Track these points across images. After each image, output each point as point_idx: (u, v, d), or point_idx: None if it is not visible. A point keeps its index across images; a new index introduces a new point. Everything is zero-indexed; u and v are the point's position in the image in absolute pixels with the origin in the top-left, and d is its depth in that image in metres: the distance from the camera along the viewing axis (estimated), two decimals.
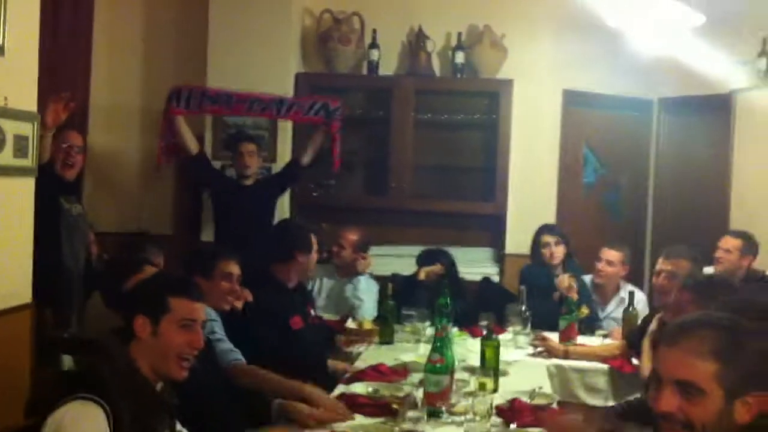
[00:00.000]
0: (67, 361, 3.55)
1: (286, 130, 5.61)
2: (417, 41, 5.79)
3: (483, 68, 5.75)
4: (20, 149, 3.11)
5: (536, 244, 4.92)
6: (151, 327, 2.24)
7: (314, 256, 3.98)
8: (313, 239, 3.98)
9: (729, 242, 4.42)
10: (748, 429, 1.63)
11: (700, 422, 1.64)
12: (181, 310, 2.27)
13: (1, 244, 3.07)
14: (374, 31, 5.80)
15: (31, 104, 3.20)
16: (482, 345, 3.41)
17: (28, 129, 3.16)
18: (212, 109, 5.23)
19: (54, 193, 3.94)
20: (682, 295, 2.86)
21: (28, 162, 3.18)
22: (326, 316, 4.42)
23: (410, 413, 2.76)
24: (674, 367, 1.67)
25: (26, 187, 3.22)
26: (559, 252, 4.81)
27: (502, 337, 3.86)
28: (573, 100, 5.85)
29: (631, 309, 4.20)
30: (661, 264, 3.72)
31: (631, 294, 4.31)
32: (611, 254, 4.62)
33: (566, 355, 3.88)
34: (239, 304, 3.48)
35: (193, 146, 5.16)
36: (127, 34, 5.96)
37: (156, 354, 2.24)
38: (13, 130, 3.06)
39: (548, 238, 4.86)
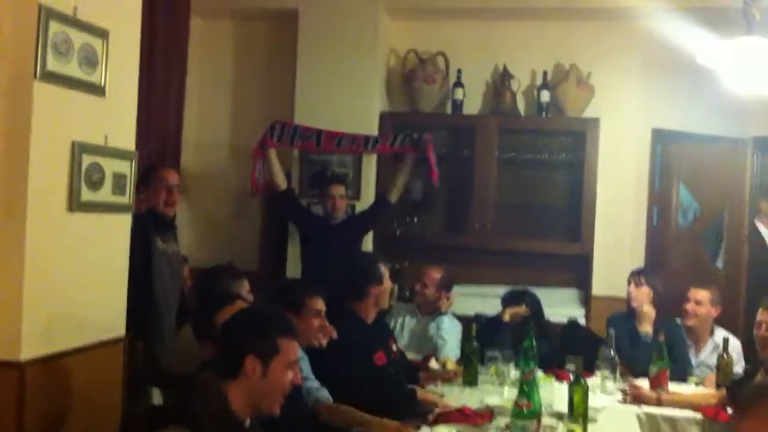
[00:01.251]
0: (156, 394, 3.64)
1: (370, 166, 5.68)
2: (501, 80, 5.80)
3: (568, 107, 5.70)
4: (118, 186, 3.21)
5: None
6: (261, 368, 2.28)
7: (387, 285, 3.93)
8: (384, 269, 3.94)
9: None
10: None
11: None
12: (289, 352, 2.34)
13: (98, 277, 3.16)
14: (459, 70, 5.84)
15: (129, 143, 3.31)
16: (570, 390, 3.33)
17: (126, 167, 3.26)
18: (302, 145, 5.36)
19: (149, 230, 4.03)
20: None
21: (125, 199, 3.27)
22: (408, 356, 4.39)
23: None
24: None
25: (123, 222, 3.32)
26: (641, 294, 4.64)
27: (590, 381, 3.77)
28: (662, 139, 5.73)
29: (725, 356, 4.05)
30: (761, 315, 3.59)
31: (726, 340, 4.14)
32: (700, 294, 4.46)
33: (659, 403, 3.75)
34: (324, 341, 3.50)
35: (281, 181, 5.28)
36: (219, 76, 6.17)
37: (262, 392, 2.29)
38: (111, 167, 3.16)
39: (631, 279, 4.70)
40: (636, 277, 4.71)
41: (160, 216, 4.15)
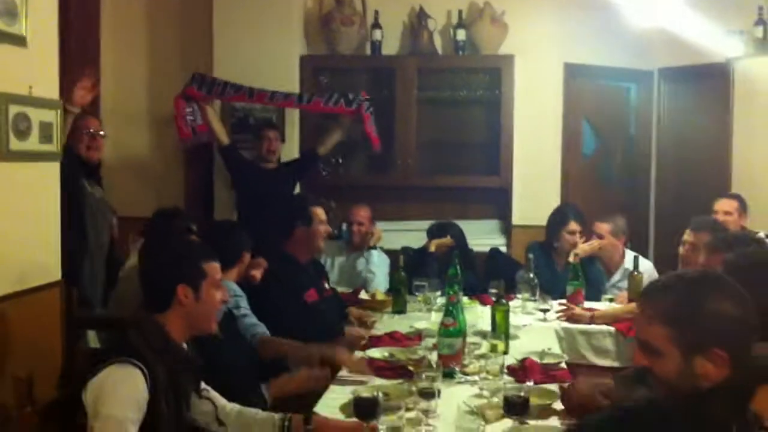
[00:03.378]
0: (92, 337, 3.73)
1: (294, 112, 5.73)
2: (418, 20, 5.90)
3: (484, 45, 5.85)
4: (45, 135, 3.25)
5: (557, 225, 4.82)
6: (192, 293, 2.41)
7: (319, 228, 4.01)
8: (318, 212, 4.04)
9: (727, 204, 4.56)
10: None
11: (663, 378, 1.78)
12: (214, 273, 2.48)
13: (31, 224, 3.22)
14: (376, 11, 5.91)
15: (53, 92, 3.34)
16: (493, 310, 3.55)
17: (52, 116, 3.30)
18: (234, 97, 5.34)
19: (77, 175, 4.06)
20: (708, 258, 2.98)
21: (53, 147, 3.32)
22: (339, 290, 4.55)
23: (426, 374, 2.90)
24: (638, 329, 1.83)
25: (52, 170, 3.38)
26: (579, 243, 4.73)
27: (512, 304, 4.01)
28: (574, 73, 5.95)
29: (635, 273, 4.33)
30: (686, 235, 3.85)
31: (636, 258, 4.43)
32: (601, 227, 4.71)
33: (592, 321, 4.00)
34: (258, 274, 3.62)
35: (224, 137, 5.33)
36: (132, 28, 6.07)
37: (198, 315, 2.44)
38: (38, 117, 3.21)
39: (574, 226, 4.77)
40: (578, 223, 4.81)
41: (84, 160, 4.19)
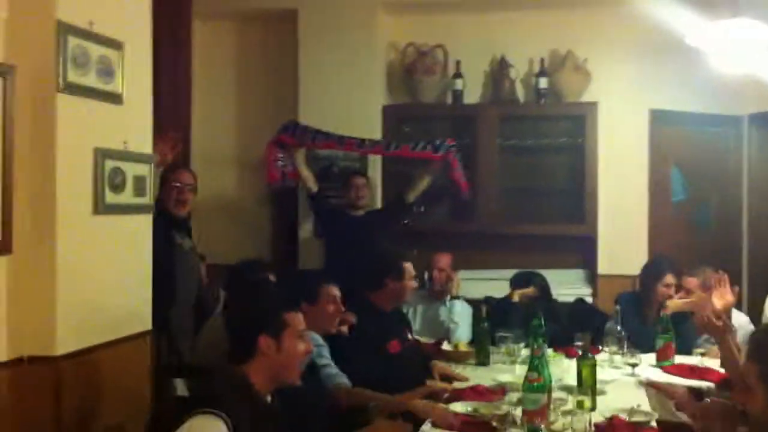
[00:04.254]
0: (180, 386, 3.79)
1: (376, 161, 5.81)
2: (500, 69, 5.92)
3: (567, 92, 5.83)
4: (139, 189, 3.37)
5: (653, 278, 4.67)
6: (275, 344, 2.44)
7: (408, 283, 4.04)
8: (408, 266, 4.07)
9: None
10: None
11: (753, 416, 1.90)
12: (297, 323, 2.51)
13: (124, 275, 3.32)
14: (457, 61, 5.96)
15: (147, 147, 3.47)
16: (579, 364, 3.47)
17: (145, 170, 3.42)
18: (325, 144, 5.43)
19: (166, 227, 4.17)
20: None
21: (146, 200, 3.44)
22: (422, 340, 4.53)
23: (510, 430, 2.85)
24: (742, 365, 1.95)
25: (145, 222, 3.49)
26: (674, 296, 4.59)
27: (598, 357, 3.91)
28: (660, 120, 5.85)
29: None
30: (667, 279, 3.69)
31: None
32: (690, 282, 4.54)
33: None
34: (345, 329, 3.64)
35: (312, 185, 5.44)
36: (222, 79, 6.29)
37: (281, 366, 2.46)
38: (132, 171, 3.33)
39: (670, 280, 4.63)
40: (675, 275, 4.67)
41: (172, 215, 4.29)
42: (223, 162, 6.24)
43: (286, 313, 2.50)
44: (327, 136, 5.31)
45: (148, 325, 3.49)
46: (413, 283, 4.09)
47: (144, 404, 3.41)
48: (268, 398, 2.49)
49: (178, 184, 4.33)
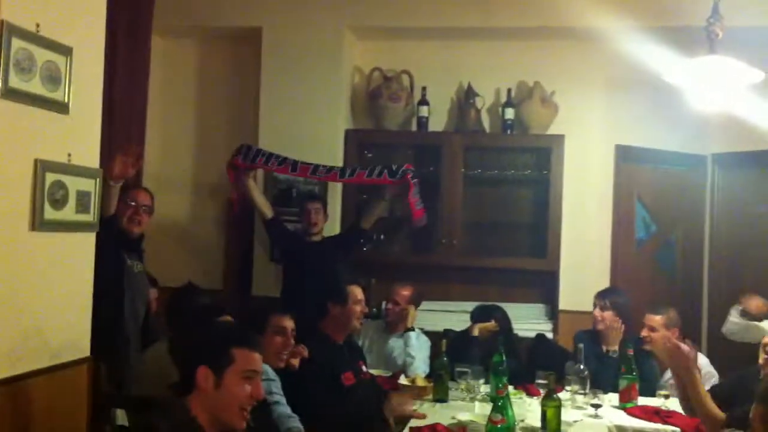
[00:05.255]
0: (120, 416, 3.56)
1: (336, 185, 5.64)
2: (466, 98, 5.82)
3: (533, 124, 5.74)
4: (82, 204, 3.16)
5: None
6: (214, 378, 2.24)
7: (353, 308, 3.91)
8: (353, 290, 3.94)
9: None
10: None
11: None
12: (244, 362, 2.28)
13: (62, 297, 3.10)
14: (423, 88, 5.85)
15: (93, 161, 3.26)
16: (543, 405, 3.34)
17: (90, 185, 3.21)
18: (278, 169, 5.24)
19: (117, 247, 3.98)
20: None
21: (90, 217, 3.22)
22: (376, 373, 4.36)
23: None
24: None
25: (87, 241, 3.27)
26: (604, 317, 4.60)
27: (560, 396, 3.77)
28: (625, 156, 5.80)
29: None
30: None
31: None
32: (653, 320, 4.44)
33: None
34: (295, 362, 3.46)
35: (268, 211, 5.24)
36: (181, 96, 6.10)
37: (218, 405, 2.25)
38: (75, 185, 3.11)
39: (595, 301, 4.70)
40: (600, 300, 4.70)
41: (123, 232, 4.08)
42: (177, 183, 6.02)
43: (236, 348, 2.29)
44: (281, 160, 5.13)
45: (86, 352, 3.26)
46: (360, 307, 3.94)
47: None
48: None
49: (133, 204, 4.14)
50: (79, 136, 3.16)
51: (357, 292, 3.93)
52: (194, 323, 2.94)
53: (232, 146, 5.24)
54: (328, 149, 5.61)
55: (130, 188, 4.17)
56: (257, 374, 2.33)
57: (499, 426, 2.89)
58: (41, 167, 2.92)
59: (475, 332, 4.64)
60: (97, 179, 3.26)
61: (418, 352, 4.64)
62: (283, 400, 3.25)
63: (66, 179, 3.05)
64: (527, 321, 5.40)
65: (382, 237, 5.78)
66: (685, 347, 3.36)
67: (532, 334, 5.19)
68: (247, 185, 5.13)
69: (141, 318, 4.20)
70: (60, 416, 3.04)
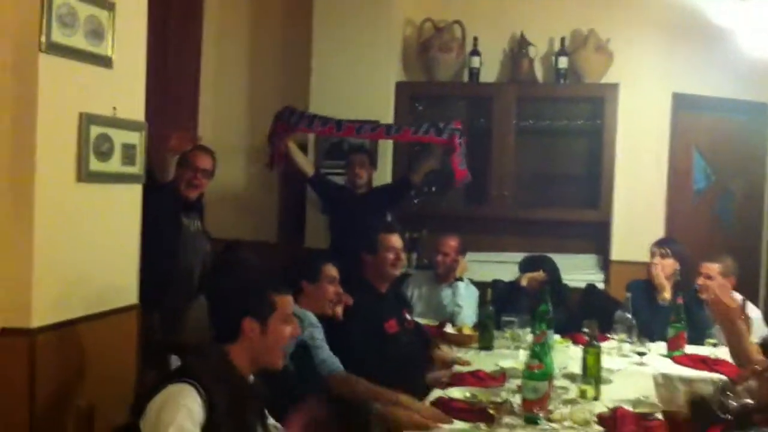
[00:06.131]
0: (175, 363, 3.68)
1: (387, 142, 5.64)
2: (519, 48, 5.75)
3: (587, 73, 5.64)
4: (128, 157, 3.23)
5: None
6: (259, 327, 2.35)
7: (386, 255, 3.84)
8: (387, 238, 3.87)
9: None
10: None
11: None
12: (285, 307, 2.41)
13: (109, 246, 3.19)
14: (475, 38, 5.79)
15: (138, 114, 3.33)
16: (584, 352, 3.32)
17: (135, 138, 3.28)
18: (322, 130, 5.25)
19: (176, 211, 4.07)
20: None
21: (135, 169, 3.30)
22: (425, 322, 4.40)
23: (507, 419, 2.72)
24: None
25: (133, 192, 3.34)
26: (664, 266, 4.56)
27: (606, 345, 3.76)
28: (682, 104, 5.65)
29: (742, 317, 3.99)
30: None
31: (743, 302, 4.09)
32: (709, 268, 4.38)
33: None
34: (340, 311, 3.52)
35: (308, 169, 5.27)
36: (233, 51, 6.12)
37: (263, 350, 2.37)
38: (120, 138, 3.18)
39: (654, 249, 4.63)
40: (661, 247, 4.64)
41: (182, 196, 4.15)
42: (232, 146, 6.04)
43: (275, 295, 2.41)
44: (324, 121, 5.12)
45: (134, 300, 3.36)
46: (391, 255, 3.85)
47: (129, 380, 3.30)
48: (251, 378, 2.39)
49: (192, 168, 4.17)
50: (123, 90, 3.22)
51: (389, 239, 3.90)
52: (238, 276, 3.03)
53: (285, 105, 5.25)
54: (380, 103, 5.59)
55: (190, 151, 4.14)
56: (293, 315, 2.46)
57: (536, 371, 2.87)
58: (86, 120, 2.99)
59: (523, 282, 4.63)
60: (142, 132, 3.33)
61: (465, 301, 4.66)
62: (326, 345, 3.30)
63: (111, 132, 3.12)
64: (579, 272, 5.34)
65: (433, 189, 5.77)
66: (727, 299, 3.29)
67: (584, 285, 5.15)
68: (287, 146, 5.15)
69: (196, 273, 4.29)
70: (109, 361, 3.14)
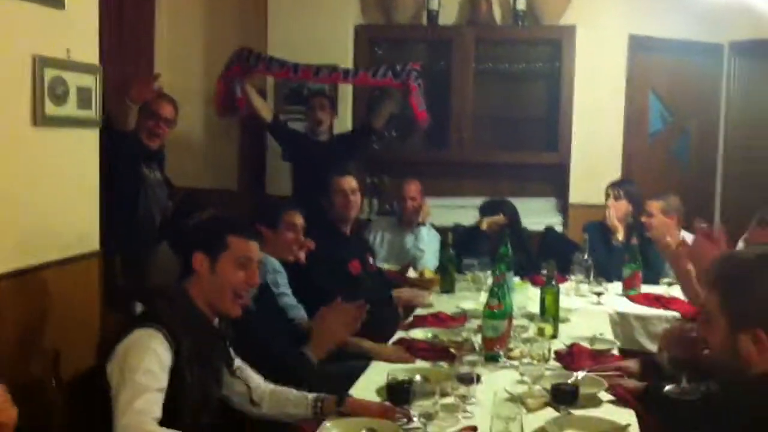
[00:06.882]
0: (140, 308, 3.68)
1: (346, 86, 5.59)
2: None
3: (545, 15, 5.64)
4: (83, 101, 3.17)
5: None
6: (209, 264, 2.32)
7: (338, 199, 3.98)
8: (339, 182, 4.01)
9: None
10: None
11: (713, 351, 1.87)
12: (238, 249, 2.35)
13: (68, 192, 3.16)
14: None
15: (92, 57, 3.26)
16: (542, 292, 3.40)
17: (90, 81, 3.22)
18: (279, 73, 5.18)
19: (137, 160, 4.02)
20: None
21: (92, 113, 3.24)
22: (387, 267, 4.43)
23: (468, 357, 2.77)
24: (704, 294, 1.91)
25: (90, 137, 3.30)
26: (617, 208, 4.65)
27: (564, 285, 3.84)
28: (639, 46, 5.68)
29: None
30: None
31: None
32: (651, 206, 4.45)
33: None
34: (302, 256, 3.54)
35: (266, 114, 5.18)
36: (188, 4, 5.97)
37: (212, 290, 2.33)
38: (75, 81, 3.12)
39: (608, 191, 4.72)
40: (614, 189, 4.72)
41: (143, 146, 4.09)
42: (189, 92, 5.86)
43: (229, 235, 2.36)
44: (281, 64, 5.05)
45: (95, 246, 3.34)
46: (342, 199, 4.00)
47: (93, 325, 3.30)
48: (216, 321, 2.39)
49: (154, 117, 4.09)
50: (76, 32, 3.15)
51: (340, 182, 3.97)
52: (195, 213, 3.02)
53: None
54: (338, 47, 5.54)
55: (153, 99, 4.08)
56: (252, 262, 2.39)
57: (495, 311, 2.93)
58: (40, 63, 2.93)
59: (483, 226, 4.68)
60: (97, 75, 3.26)
61: (427, 246, 4.70)
62: (290, 291, 3.34)
63: (66, 75, 3.06)
64: (537, 215, 5.40)
65: (393, 134, 5.76)
66: (675, 244, 3.38)
67: (542, 228, 5.22)
68: (245, 89, 5.07)
69: (157, 221, 4.26)
70: (73, 307, 3.13)
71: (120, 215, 3.82)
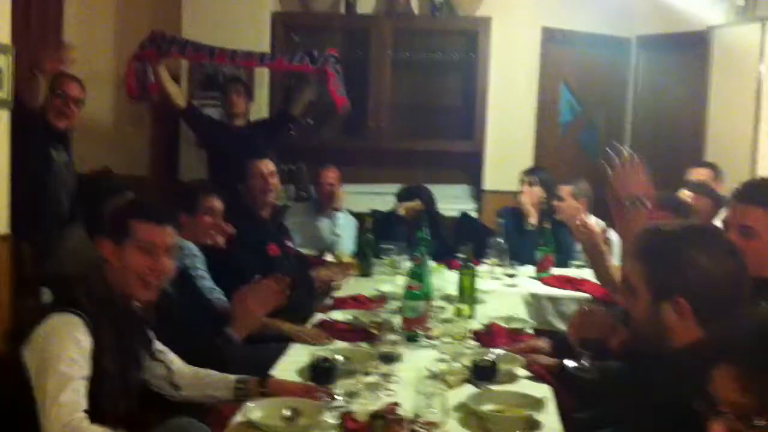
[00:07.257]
0: (47, 294, 3.60)
1: (263, 72, 5.57)
2: None
3: (461, 6, 5.72)
4: None
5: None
6: (115, 250, 2.29)
7: (255, 184, 4.01)
8: (258, 165, 4.03)
9: (701, 173, 4.45)
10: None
11: (636, 321, 1.88)
12: (142, 235, 2.30)
13: None
14: None
15: (4, 37, 3.17)
16: (460, 274, 3.48)
17: (3, 61, 3.13)
18: (194, 56, 5.11)
19: (44, 142, 3.92)
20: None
21: (3, 94, 3.15)
22: (304, 252, 4.45)
23: (388, 337, 2.82)
24: (625, 265, 1.96)
25: (1, 118, 3.20)
26: (531, 193, 4.80)
27: (479, 269, 3.93)
28: (551, 38, 5.83)
29: None
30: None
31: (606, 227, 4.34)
32: (562, 190, 4.62)
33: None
34: (221, 240, 3.52)
35: (180, 100, 5.10)
36: None
37: (121, 276, 2.29)
38: None
39: (522, 178, 4.87)
40: (528, 176, 4.86)
41: (50, 125, 3.99)
42: (99, 76, 5.72)
43: (135, 221, 2.31)
44: (197, 47, 4.99)
45: (5, 230, 3.25)
46: (260, 183, 4.02)
47: (3, 309, 3.21)
48: (135, 305, 2.36)
49: (62, 96, 3.98)
50: None
51: (257, 166, 4.00)
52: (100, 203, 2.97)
53: None
54: (255, 33, 5.48)
55: (60, 77, 3.98)
56: (157, 247, 2.33)
57: (415, 292, 3.00)
58: None
59: (401, 211, 4.76)
60: (10, 55, 3.17)
61: (344, 231, 4.76)
62: (207, 275, 3.31)
63: None
64: (452, 201, 5.51)
65: (310, 122, 5.76)
66: (590, 225, 3.51)
67: (457, 214, 5.33)
68: (158, 74, 4.98)
69: (64, 205, 4.17)
70: None
71: (28, 198, 3.71)
